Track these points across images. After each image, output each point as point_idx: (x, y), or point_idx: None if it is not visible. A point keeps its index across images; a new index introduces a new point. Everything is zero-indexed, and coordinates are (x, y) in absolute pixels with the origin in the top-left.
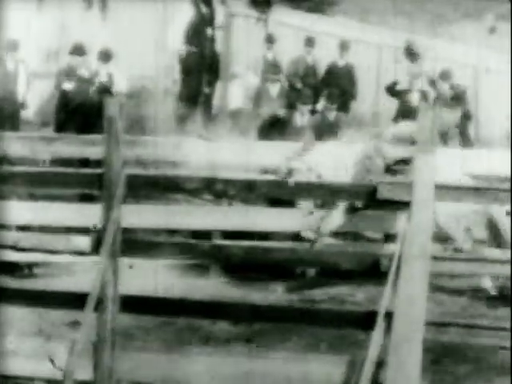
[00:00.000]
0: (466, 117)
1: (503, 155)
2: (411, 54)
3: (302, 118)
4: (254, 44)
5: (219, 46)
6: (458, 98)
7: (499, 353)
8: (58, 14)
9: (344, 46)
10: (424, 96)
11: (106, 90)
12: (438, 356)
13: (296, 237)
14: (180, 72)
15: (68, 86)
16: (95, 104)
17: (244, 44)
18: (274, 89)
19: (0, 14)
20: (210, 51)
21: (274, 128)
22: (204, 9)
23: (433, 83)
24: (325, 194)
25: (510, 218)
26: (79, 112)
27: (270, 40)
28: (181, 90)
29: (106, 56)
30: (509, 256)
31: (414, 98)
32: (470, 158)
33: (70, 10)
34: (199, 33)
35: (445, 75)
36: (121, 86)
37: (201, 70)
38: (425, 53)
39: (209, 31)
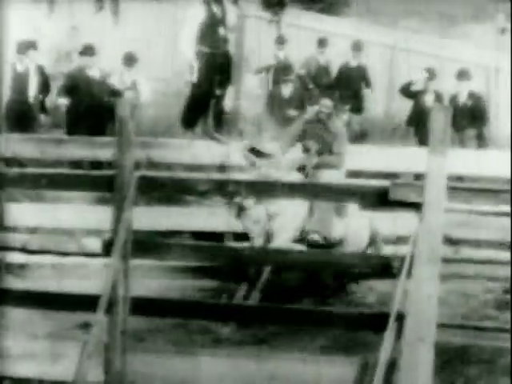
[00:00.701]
0: (482, 118)
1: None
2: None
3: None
4: (266, 46)
5: (231, 48)
6: (477, 113)
7: (509, 354)
8: (70, 16)
9: (357, 47)
10: (439, 97)
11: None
12: (449, 358)
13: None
14: (195, 71)
15: (63, 100)
16: (106, 105)
17: (256, 46)
18: (286, 89)
19: (10, 16)
20: (222, 52)
21: (282, 129)
22: (215, 8)
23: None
24: (336, 195)
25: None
26: (90, 113)
27: (280, 41)
28: (192, 92)
29: (130, 60)
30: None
31: (429, 99)
32: (484, 160)
33: (81, 12)
34: (212, 33)
35: (463, 75)
36: (145, 94)
37: (213, 70)
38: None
39: (221, 31)
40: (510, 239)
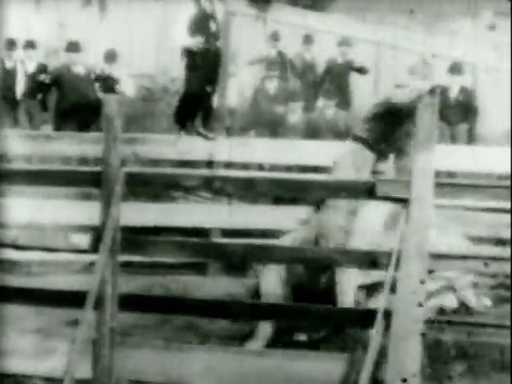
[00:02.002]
0: (473, 113)
1: (502, 153)
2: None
3: (293, 115)
4: (252, 42)
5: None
6: (468, 108)
7: (499, 350)
8: (57, 13)
9: (344, 43)
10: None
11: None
12: (437, 354)
13: None
14: (185, 69)
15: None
16: (93, 101)
17: (243, 42)
18: (271, 85)
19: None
20: (214, 47)
21: (269, 125)
22: (205, 3)
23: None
24: (324, 191)
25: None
26: (78, 110)
27: (275, 38)
28: (185, 89)
29: (110, 57)
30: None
31: None
32: (468, 156)
33: (69, 8)
34: (203, 28)
35: (455, 69)
36: (128, 89)
37: (205, 66)
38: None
39: (213, 27)
40: (500, 235)
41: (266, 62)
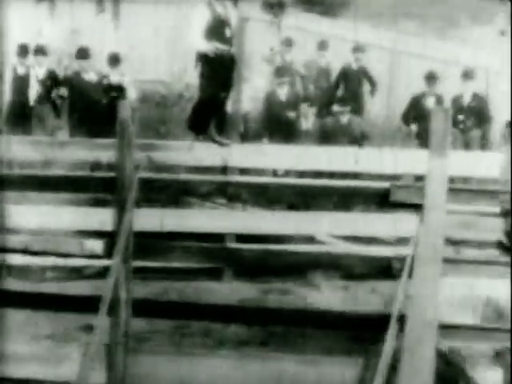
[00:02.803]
0: (486, 119)
1: None
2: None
3: (306, 121)
4: (267, 48)
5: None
6: (481, 114)
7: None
8: (70, 19)
9: (358, 49)
10: (439, 100)
11: (117, 89)
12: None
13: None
14: (200, 75)
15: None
16: (105, 108)
17: (257, 48)
18: (282, 91)
19: (10, 19)
20: (228, 53)
21: (282, 131)
22: (219, 8)
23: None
24: (338, 197)
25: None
26: (90, 116)
27: (288, 43)
28: (199, 95)
29: (114, 60)
30: None
31: (430, 102)
32: (485, 162)
33: (82, 15)
34: (218, 34)
35: (467, 75)
36: (130, 93)
37: (220, 73)
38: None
39: (227, 33)
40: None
41: (275, 68)
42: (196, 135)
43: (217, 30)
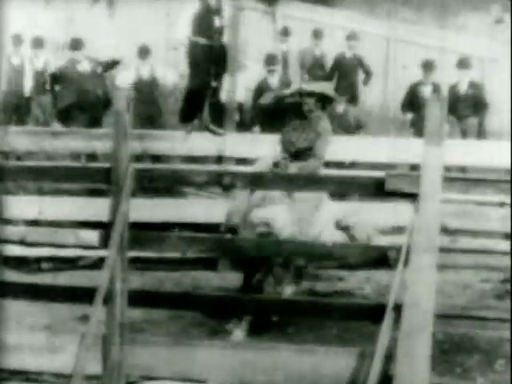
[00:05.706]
0: (483, 108)
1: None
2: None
3: None
4: (261, 37)
5: (227, 39)
6: (478, 103)
7: (506, 344)
8: (65, 9)
9: (352, 37)
10: (436, 88)
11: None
12: (446, 348)
13: None
14: (188, 64)
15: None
16: (100, 97)
17: (251, 37)
18: (273, 79)
19: (5, 10)
20: (218, 43)
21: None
22: None
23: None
24: (334, 186)
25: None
26: (84, 107)
27: (284, 33)
28: (187, 84)
29: (144, 52)
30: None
31: (426, 91)
32: (475, 150)
33: (77, 5)
34: (207, 23)
35: (463, 63)
36: (170, 80)
37: (209, 62)
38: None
39: (217, 22)
40: (508, 229)
41: (266, 55)
42: (185, 125)
43: (205, 19)
